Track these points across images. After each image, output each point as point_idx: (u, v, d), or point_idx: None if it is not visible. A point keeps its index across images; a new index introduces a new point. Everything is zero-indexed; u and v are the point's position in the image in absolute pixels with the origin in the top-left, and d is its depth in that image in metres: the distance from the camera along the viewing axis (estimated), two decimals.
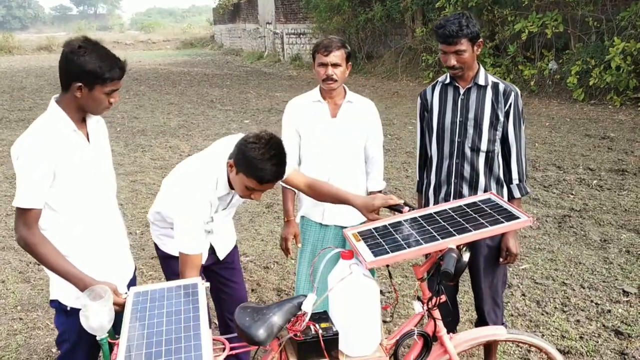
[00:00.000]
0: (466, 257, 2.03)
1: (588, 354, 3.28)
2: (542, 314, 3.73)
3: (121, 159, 8.16)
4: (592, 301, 3.85)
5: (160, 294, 2.19)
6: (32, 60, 26.91)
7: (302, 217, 3.19)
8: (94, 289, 1.97)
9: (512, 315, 3.72)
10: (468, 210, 2.24)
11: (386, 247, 2.06)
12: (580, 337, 3.44)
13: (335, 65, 2.90)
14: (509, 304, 3.86)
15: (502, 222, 2.08)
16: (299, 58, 20.09)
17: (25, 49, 31.61)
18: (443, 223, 2.16)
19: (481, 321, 2.92)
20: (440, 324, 2.21)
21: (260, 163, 2.16)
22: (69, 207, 2.19)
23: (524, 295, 3.99)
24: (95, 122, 2.32)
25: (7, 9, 70.23)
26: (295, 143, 3.07)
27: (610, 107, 9.90)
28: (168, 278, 2.66)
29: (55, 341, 2.33)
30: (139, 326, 2.00)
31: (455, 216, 2.20)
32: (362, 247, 2.10)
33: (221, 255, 2.70)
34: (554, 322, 3.63)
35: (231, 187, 2.37)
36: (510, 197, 2.77)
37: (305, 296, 2.02)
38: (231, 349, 2.07)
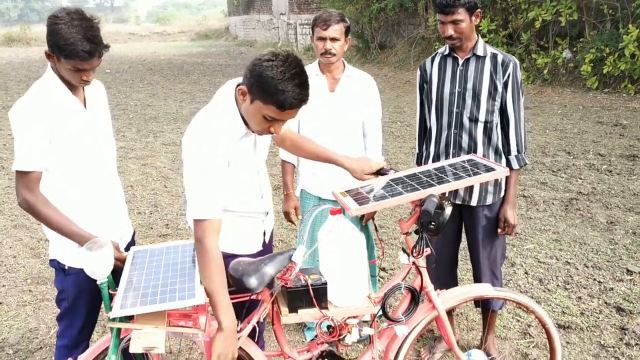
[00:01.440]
0: (448, 210, 2.08)
1: (588, 329, 3.28)
2: (544, 291, 3.73)
3: (133, 144, 8.27)
4: (595, 279, 3.84)
5: (159, 251, 2.26)
6: None
7: (302, 190, 3.23)
8: (96, 240, 2.03)
9: None
10: (450, 168, 2.33)
11: (370, 198, 2.12)
12: (581, 313, 3.44)
13: (333, 39, 2.91)
14: (511, 281, 3.87)
15: (480, 174, 2.14)
16: (312, 48, 20.04)
17: (42, 40, 31.94)
18: (426, 179, 2.22)
19: None
20: (427, 279, 2.25)
21: (280, 84, 1.81)
22: (65, 172, 2.20)
23: (526, 273, 3.99)
24: (93, 88, 2.32)
25: (25, 1, 71.03)
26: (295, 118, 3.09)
27: (624, 95, 9.78)
28: None
29: (55, 300, 2.38)
30: (137, 274, 2.09)
31: (438, 173, 2.28)
32: (348, 200, 2.16)
33: (269, 234, 2.44)
34: (555, 298, 3.64)
35: (246, 124, 2.05)
36: (509, 169, 2.77)
37: (296, 249, 2.07)
38: None
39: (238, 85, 1.98)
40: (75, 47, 2.02)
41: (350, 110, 3.04)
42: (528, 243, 4.48)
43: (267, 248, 2.46)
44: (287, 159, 3.16)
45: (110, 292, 2.02)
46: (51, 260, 2.34)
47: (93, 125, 2.28)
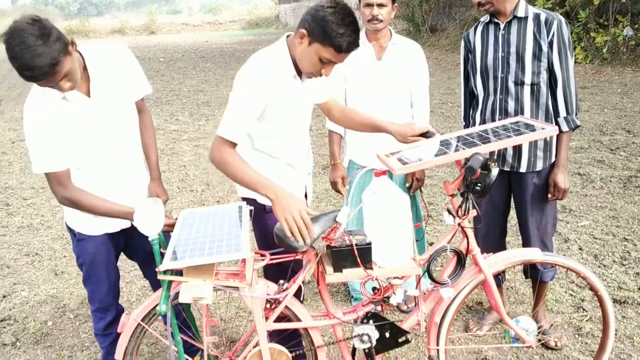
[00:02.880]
0: (495, 171, 2.03)
1: None
2: (599, 267, 3.62)
3: (186, 127, 8.46)
4: None
5: (207, 213, 2.32)
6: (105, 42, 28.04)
7: (349, 161, 3.23)
8: (146, 201, 2.10)
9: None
10: (497, 129, 2.29)
11: (414, 159, 2.10)
12: (639, 289, 3.32)
13: (380, 5, 2.88)
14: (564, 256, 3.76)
15: (526, 134, 2.09)
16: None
17: (100, 32, 32.98)
18: (471, 140, 2.18)
19: (529, 266, 2.88)
20: (473, 241, 2.21)
21: (340, 28, 1.96)
22: (78, 162, 2.19)
23: (581, 249, 3.87)
24: (102, 64, 2.21)
25: None
26: (342, 87, 3.09)
27: None
28: (256, 229, 2.47)
29: (77, 265, 2.45)
30: (186, 233, 2.15)
31: (484, 134, 2.23)
32: (392, 160, 2.14)
33: (310, 196, 2.51)
34: (611, 274, 3.51)
35: (296, 69, 2.18)
36: (559, 132, 2.69)
37: (340, 210, 2.08)
38: (271, 259, 2.17)
39: (299, 30, 2.07)
40: (25, 75, 1.90)
41: (397, 78, 3.01)
42: (583, 220, 4.34)
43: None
44: (334, 129, 3.16)
45: (161, 250, 2.08)
46: (65, 224, 2.40)
47: (99, 112, 2.21)
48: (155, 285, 2.53)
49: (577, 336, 2.95)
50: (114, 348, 2.25)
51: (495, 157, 2.74)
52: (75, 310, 3.52)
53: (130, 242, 2.43)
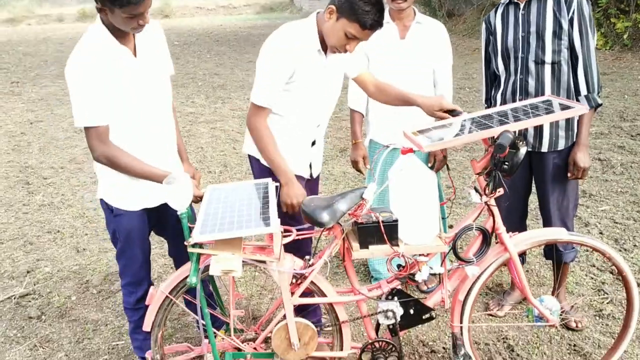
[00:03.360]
0: (523, 150, 2.03)
1: None
2: (620, 250, 3.60)
3: (202, 109, 8.48)
4: None
5: (234, 188, 2.35)
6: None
7: (370, 140, 3.23)
8: (175, 175, 2.12)
9: (586, 251, 3.61)
10: (525, 107, 2.28)
11: (443, 136, 2.10)
12: None
13: None
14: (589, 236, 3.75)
15: (556, 112, 2.08)
16: None
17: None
18: (500, 118, 2.18)
19: (550, 247, 2.87)
20: (499, 220, 2.21)
21: (367, 6, 2.11)
22: (118, 120, 2.19)
23: (601, 233, 3.86)
24: (145, 34, 2.25)
25: None
26: (365, 65, 3.08)
27: None
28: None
29: (111, 240, 2.47)
30: (214, 207, 2.17)
31: (513, 112, 2.23)
32: (420, 138, 2.14)
33: (315, 171, 2.66)
34: (632, 257, 3.50)
35: (322, 46, 2.32)
36: None
37: (367, 187, 2.10)
38: (297, 234, 2.19)
39: (329, 5, 2.21)
40: None
41: (420, 58, 3.00)
42: (603, 205, 4.31)
43: (313, 188, 2.69)
44: (355, 108, 3.16)
45: (190, 225, 2.10)
46: (100, 200, 2.38)
47: (144, 73, 2.24)
48: (179, 262, 2.56)
49: (597, 318, 2.95)
50: (142, 322, 2.29)
51: (522, 136, 2.73)
52: (98, 286, 3.57)
53: (162, 217, 2.43)
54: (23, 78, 11.58)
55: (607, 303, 3.07)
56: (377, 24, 2.17)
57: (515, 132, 2.05)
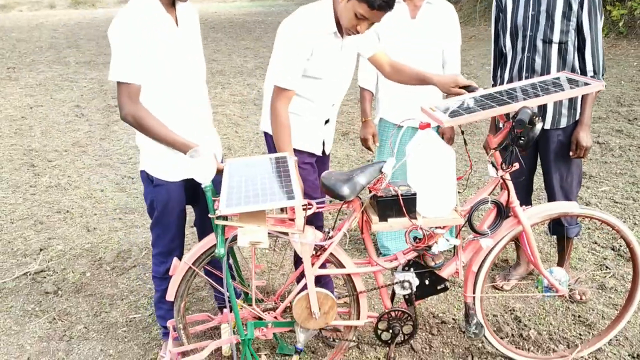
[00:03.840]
0: (539, 125, 2.10)
1: None
2: None
3: None
4: None
5: (254, 162, 2.40)
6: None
7: (380, 119, 3.30)
8: (199, 149, 2.18)
9: (589, 229, 3.72)
10: (541, 84, 2.34)
11: (461, 111, 2.16)
12: None
13: None
14: (585, 219, 3.85)
15: (572, 89, 2.14)
16: None
17: (106, 2, 32.74)
18: (517, 94, 2.24)
19: (555, 222, 2.96)
20: (513, 193, 2.29)
21: None
22: (156, 86, 2.25)
23: None
24: (185, 9, 2.36)
25: None
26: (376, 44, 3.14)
27: None
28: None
29: (147, 211, 2.53)
30: (237, 180, 2.22)
31: (530, 89, 2.29)
32: (438, 113, 2.20)
33: (327, 149, 2.74)
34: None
35: (338, 28, 2.37)
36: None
37: (386, 162, 2.16)
38: (318, 207, 2.26)
39: None
40: None
41: (430, 37, 3.06)
42: (603, 185, 4.42)
43: (325, 164, 2.78)
44: (365, 87, 3.23)
45: (213, 198, 2.17)
46: (141, 171, 2.45)
47: (185, 43, 2.32)
48: (202, 234, 2.63)
49: (600, 291, 3.06)
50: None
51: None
52: (111, 263, 3.64)
53: (198, 189, 2.47)
54: (19, 64, 11.52)
55: (610, 277, 3.17)
56: (386, 4, 2.19)
57: (534, 108, 2.12)
